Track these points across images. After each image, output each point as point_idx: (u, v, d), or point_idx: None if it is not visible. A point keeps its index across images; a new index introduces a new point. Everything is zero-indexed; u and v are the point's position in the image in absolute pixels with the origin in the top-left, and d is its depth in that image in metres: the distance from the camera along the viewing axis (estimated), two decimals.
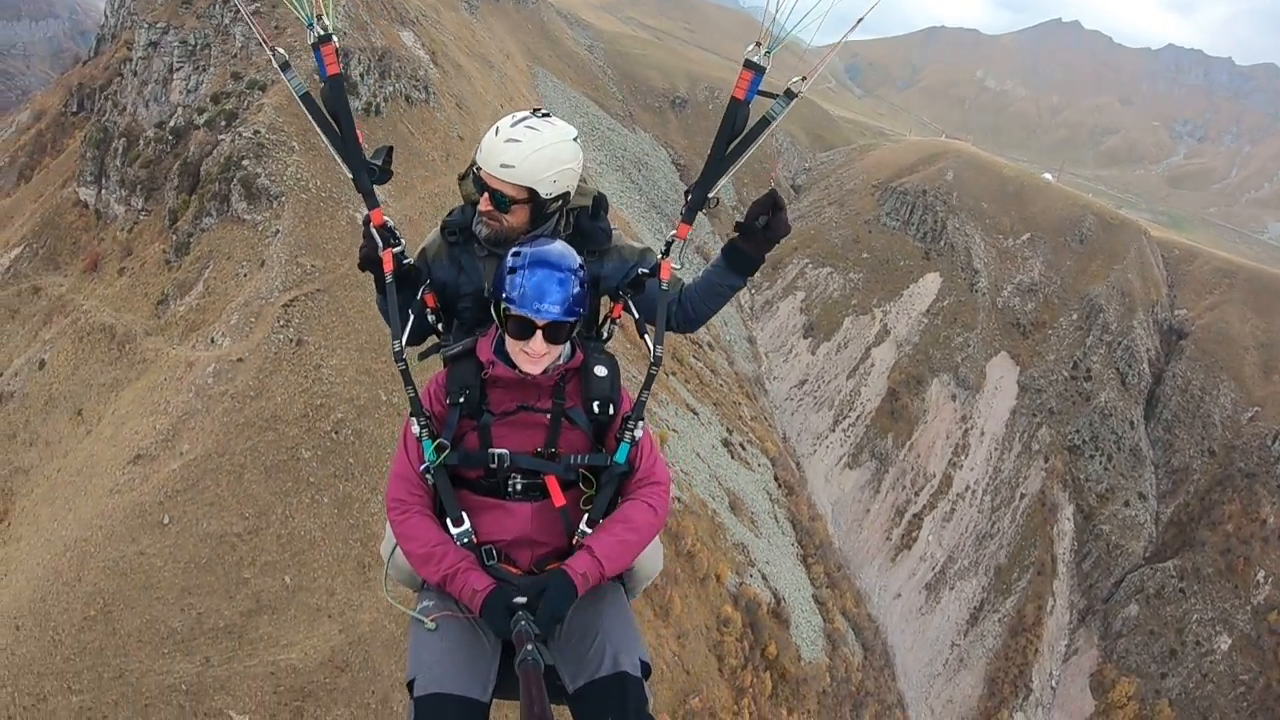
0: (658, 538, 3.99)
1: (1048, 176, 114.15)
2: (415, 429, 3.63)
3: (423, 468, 3.61)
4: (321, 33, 3.66)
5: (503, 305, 3.50)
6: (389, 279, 3.87)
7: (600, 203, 4.12)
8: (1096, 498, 68.64)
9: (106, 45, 64.88)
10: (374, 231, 3.87)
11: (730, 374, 68.52)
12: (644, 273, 3.98)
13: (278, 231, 36.92)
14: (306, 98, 3.85)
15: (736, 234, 3.89)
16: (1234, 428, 69.34)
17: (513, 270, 3.50)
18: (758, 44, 3.48)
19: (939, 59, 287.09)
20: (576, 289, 3.51)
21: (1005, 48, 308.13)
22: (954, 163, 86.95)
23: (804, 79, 3.50)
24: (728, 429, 59.70)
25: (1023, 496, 69.80)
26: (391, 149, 3.98)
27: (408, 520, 3.59)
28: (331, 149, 3.86)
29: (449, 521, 3.57)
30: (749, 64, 3.52)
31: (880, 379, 74.69)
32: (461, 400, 3.62)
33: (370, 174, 3.87)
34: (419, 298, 3.98)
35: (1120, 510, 67.74)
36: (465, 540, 3.53)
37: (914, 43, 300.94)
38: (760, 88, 3.61)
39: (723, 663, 42.88)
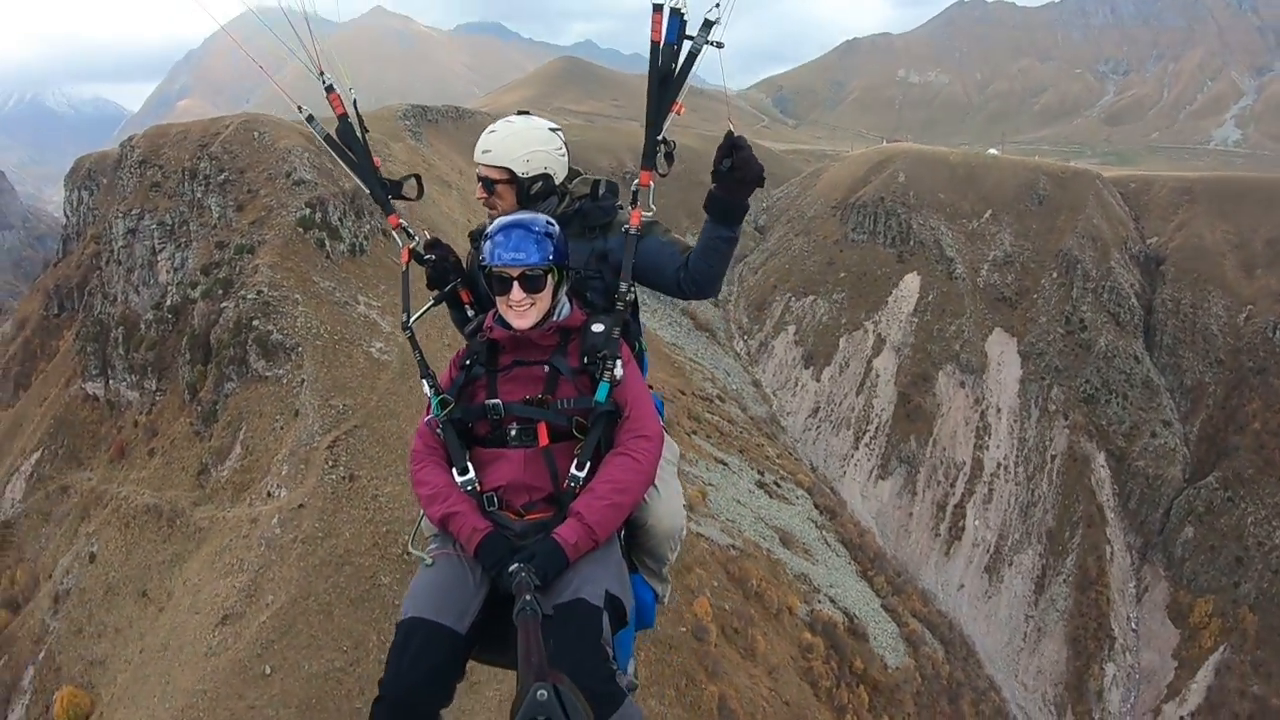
0: (679, 495, 4.23)
1: (993, 151, 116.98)
2: (425, 389, 3.96)
3: (427, 420, 3.95)
4: (326, 83, 4.26)
5: (485, 270, 3.86)
6: (403, 268, 4.46)
7: (605, 186, 4.47)
8: (1123, 438, 69.65)
9: (74, 244, 67.01)
10: (394, 234, 4.46)
11: (746, 420, 69.61)
12: (625, 229, 4.19)
13: (303, 381, 38.37)
14: (328, 138, 4.38)
15: (713, 185, 4.08)
16: (1233, 332, 70.92)
17: (487, 237, 3.87)
18: None
19: (860, 70, 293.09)
20: (547, 241, 3.82)
21: (918, 42, 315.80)
22: (902, 164, 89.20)
23: (717, 4, 3.84)
24: (759, 471, 60.73)
25: (1053, 458, 70.80)
26: (419, 175, 4.56)
27: (421, 468, 3.87)
28: (351, 172, 4.44)
29: (454, 471, 3.81)
30: (656, 7, 3.86)
31: (888, 387, 76.13)
32: (468, 363, 3.96)
33: (382, 187, 4.42)
34: (447, 290, 4.42)
35: (1149, 443, 68.74)
36: (469, 488, 3.76)
37: (832, 62, 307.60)
38: (674, 26, 3.90)
39: (817, 687, 43.49)
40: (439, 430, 3.89)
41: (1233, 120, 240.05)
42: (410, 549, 3.95)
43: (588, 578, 3.43)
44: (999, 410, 73.72)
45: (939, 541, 69.71)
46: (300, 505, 33.14)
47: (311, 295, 42.32)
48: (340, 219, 47.13)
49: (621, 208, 4.37)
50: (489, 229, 3.92)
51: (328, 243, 45.68)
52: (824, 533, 61.24)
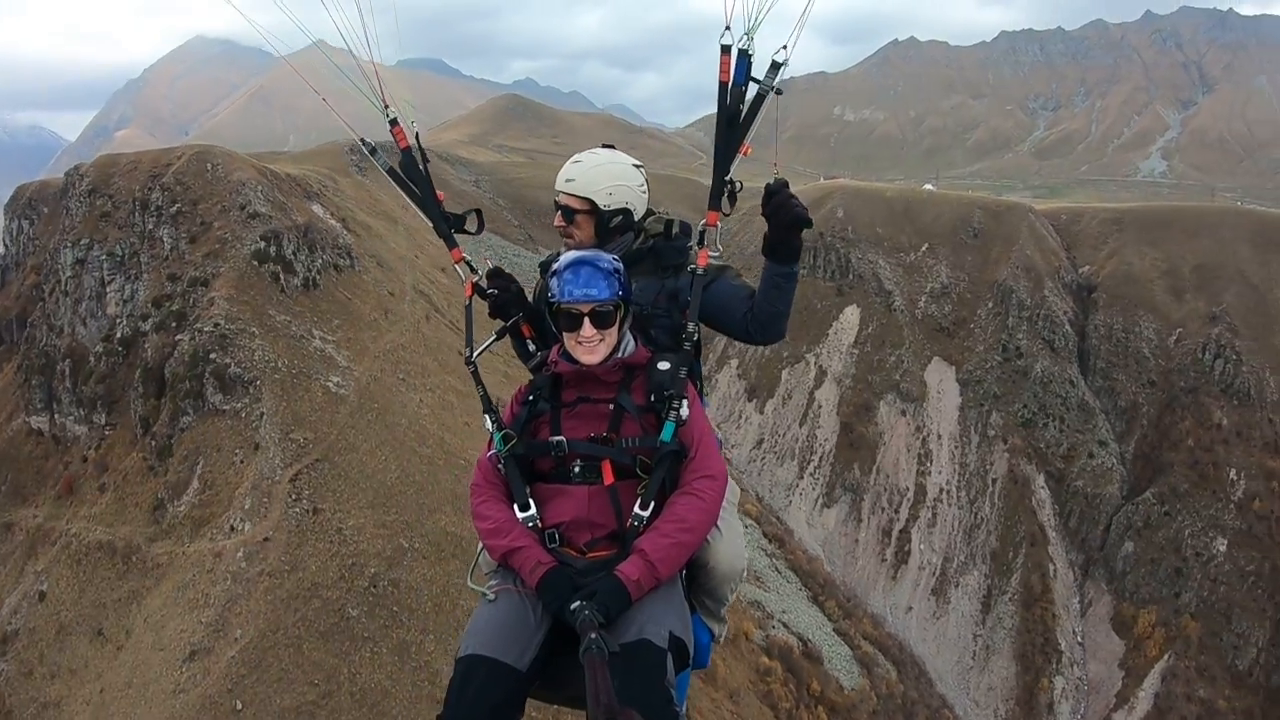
0: (740, 536, 4.15)
1: (929, 187, 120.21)
2: (488, 424, 3.96)
3: (490, 454, 3.92)
4: (390, 117, 4.31)
5: (552, 306, 3.88)
6: (467, 301, 4.49)
7: (680, 226, 4.50)
8: (1061, 459, 71.66)
9: (13, 274, 64.95)
10: (457, 268, 4.52)
11: None
12: (692, 269, 4.21)
13: (262, 414, 38.07)
14: (391, 171, 4.47)
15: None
16: (1164, 354, 73.39)
17: (554, 274, 3.90)
18: (727, 28, 3.81)
19: (796, 107, 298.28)
20: (615, 278, 3.85)
21: (853, 80, 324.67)
22: (840, 200, 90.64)
23: (784, 47, 3.87)
24: None
25: (994, 481, 72.48)
26: (479, 210, 4.68)
27: (483, 503, 3.85)
28: (414, 205, 4.50)
29: (516, 507, 3.78)
30: (724, 49, 3.90)
31: (830, 417, 77.39)
32: (531, 399, 3.95)
33: (445, 221, 4.50)
34: (508, 323, 4.48)
35: (1087, 463, 70.76)
36: (531, 525, 3.72)
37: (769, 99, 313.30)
38: (741, 68, 3.96)
39: (777, 709, 44.28)
40: (500, 465, 3.88)
41: (1159, 152, 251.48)
42: (469, 584, 3.96)
43: (652, 617, 3.37)
44: (940, 437, 75.35)
45: (886, 566, 70.95)
46: (265, 539, 32.89)
47: (268, 329, 42.02)
48: (294, 253, 46.84)
49: (691, 248, 4.39)
50: (557, 266, 3.94)
51: (282, 276, 45.40)
52: (774, 560, 62.43)
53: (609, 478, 3.74)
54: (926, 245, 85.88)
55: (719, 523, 3.89)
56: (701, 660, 4.16)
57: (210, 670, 29.11)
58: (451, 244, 4.50)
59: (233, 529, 34.40)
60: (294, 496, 34.63)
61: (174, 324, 42.82)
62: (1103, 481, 69.80)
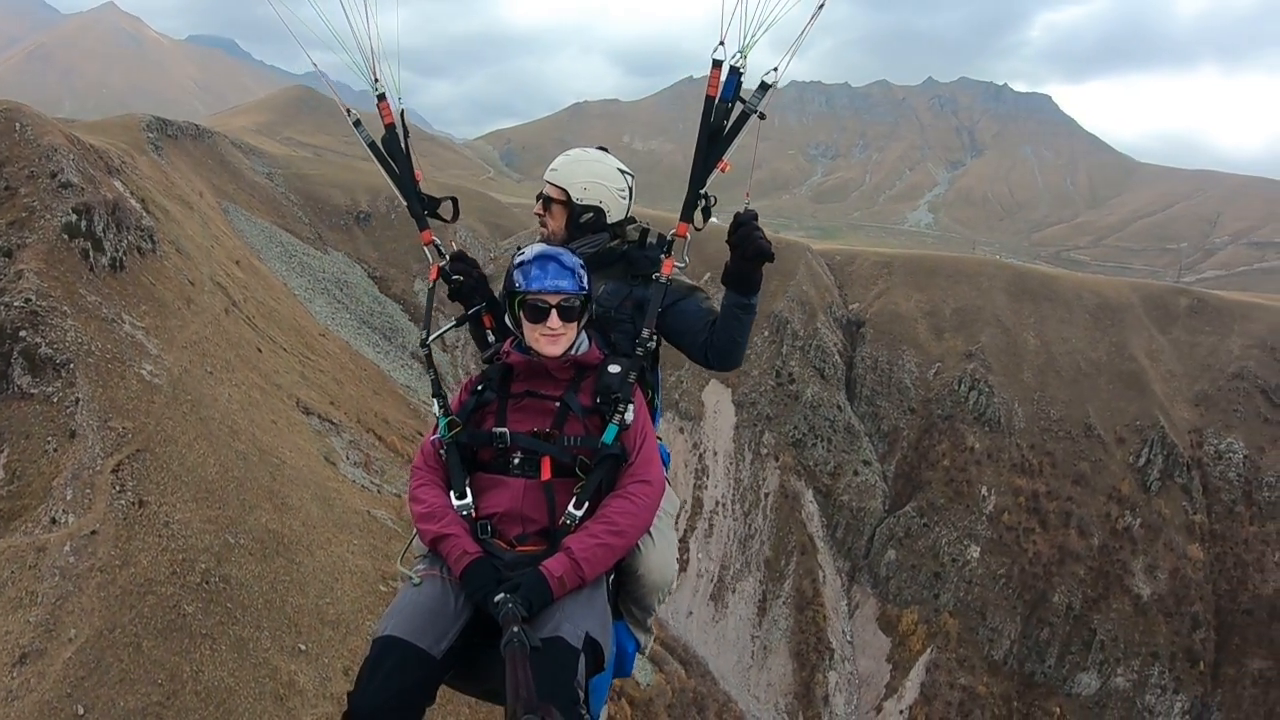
0: (673, 547, 4.16)
1: (713, 220, 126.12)
2: (435, 409, 3.99)
3: (433, 438, 3.93)
4: (378, 92, 4.34)
5: (516, 297, 3.89)
6: (430, 285, 4.54)
7: (655, 238, 4.55)
8: (829, 476, 76.28)
9: None
10: (426, 250, 4.54)
11: None
12: (656, 277, 4.26)
13: (78, 400, 35.63)
14: (373, 146, 4.44)
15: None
16: (925, 385, 79.15)
17: (519, 265, 3.93)
18: (721, 44, 3.78)
19: (587, 131, 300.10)
20: (580, 273, 3.90)
21: (646, 111, 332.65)
22: None
23: (775, 69, 3.85)
24: None
25: (767, 495, 76.09)
26: (455, 199, 4.63)
27: (420, 487, 3.85)
28: (391, 183, 4.51)
29: (453, 494, 3.78)
30: (715, 64, 3.88)
31: None
32: (480, 388, 3.96)
33: (420, 202, 4.48)
34: (470, 313, 4.52)
35: (852, 480, 75.62)
36: (465, 513, 3.72)
37: (561, 121, 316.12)
38: (730, 85, 3.96)
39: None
40: (442, 451, 3.91)
41: (926, 205, 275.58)
42: (399, 566, 3.88)
43: (569, 616, 3.37)
44: (716, 453, 78.22)
45: None
46: (93, 531, 31.04)
47: (79, 309, 39.10)
48: (104, 230, 43.78)
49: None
50: (522, 258, 4.01)
51: (92, 254, 42.54)
52: None
53: (547, 474, 3.78)
54: (709, 274, 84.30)
55: (652, 531, 3.94)
56: (625, 668, 4.30)
57: (46, 673, 27.29)
58: (423, 225, 4.57)
59: (54, 521, 32.11)
60: (118, 488, 32.85)
61: None
62: (867, 497, 74.75)
